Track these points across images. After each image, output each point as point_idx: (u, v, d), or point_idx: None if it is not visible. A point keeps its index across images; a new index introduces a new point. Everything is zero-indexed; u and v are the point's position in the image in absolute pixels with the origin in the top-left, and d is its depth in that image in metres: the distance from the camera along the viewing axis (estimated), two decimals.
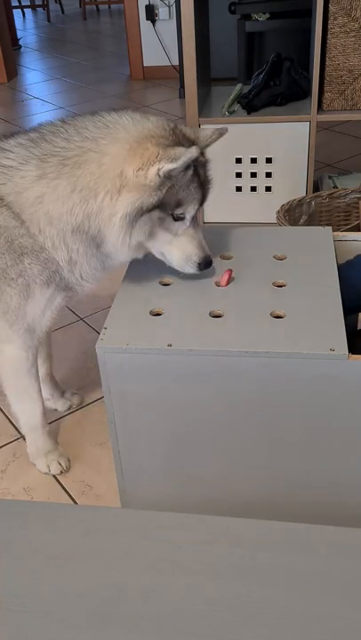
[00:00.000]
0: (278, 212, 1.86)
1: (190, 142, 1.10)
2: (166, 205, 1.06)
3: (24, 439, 1.53)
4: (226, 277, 1.10)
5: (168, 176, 1.03)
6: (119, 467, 1.12)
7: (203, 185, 1.11)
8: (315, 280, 1.10)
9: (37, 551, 0.58)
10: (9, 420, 1.60)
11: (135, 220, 1.05)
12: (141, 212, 1.04)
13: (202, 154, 1.11)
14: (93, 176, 1.06)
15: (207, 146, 1.16)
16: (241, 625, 0.51)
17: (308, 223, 1.96)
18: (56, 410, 1.61)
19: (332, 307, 1.03)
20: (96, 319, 1.96)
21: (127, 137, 1.06)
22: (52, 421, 1.59)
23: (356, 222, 1.90)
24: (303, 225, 1.93)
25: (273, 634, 0.50)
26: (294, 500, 1.10)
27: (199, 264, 1.11)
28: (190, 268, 1.11)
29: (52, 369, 1.57)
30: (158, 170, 1.02)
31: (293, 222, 1.91)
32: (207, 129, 1.17)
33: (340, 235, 1.26)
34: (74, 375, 1.73)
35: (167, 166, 1.02)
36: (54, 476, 1.43)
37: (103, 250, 1.12)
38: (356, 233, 1.28)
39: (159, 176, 1.02)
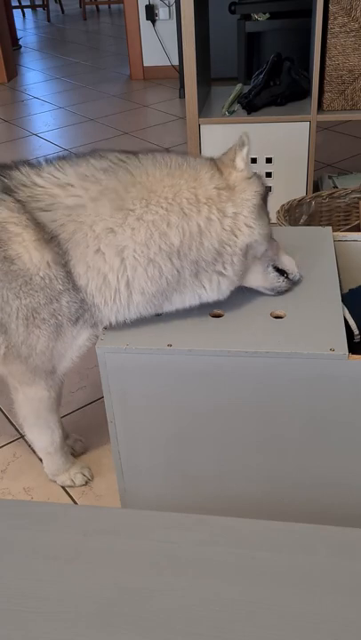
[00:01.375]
0: (278, 212, 1.85)
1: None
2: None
3: (24, 439, 1.53)
4: None
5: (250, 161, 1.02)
6: (119, 467, 1.12)
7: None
8: (315, 280, 1.10)
9: (37, 551, 0.58)
10: (9, 420, 1.60)
11: (262, 216, 1.02)
12: (265, 200, 1.03)
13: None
14: (192, 194, 0.99)
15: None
16: (241, 625, 0.51)
17: (308, 223, 1.96)
18: None
19: (332, 307, 1.03)
20: None
21: (204, 169, 1.02)
22: None
23: (356, 222, 1.90)
24: (303, 225, 1.93)
25: (273, 634, 0.50)
26: (294, 499, 1.10)
27: (293, 278, 1.09)
28: (298, 275, 1.09)
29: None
30: (242, 156, 1.01)
31: (293, 222, 1.91)
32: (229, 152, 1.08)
33: (340, 235, 1.26)
34: (74, 375, 1.73)
35: (243, 149, 1.01)
36: None
37: (200, 280, 1.02)
38: (356, 233, 1.28)
39: (246, 160, 1.01)
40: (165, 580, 0.55)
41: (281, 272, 1.07)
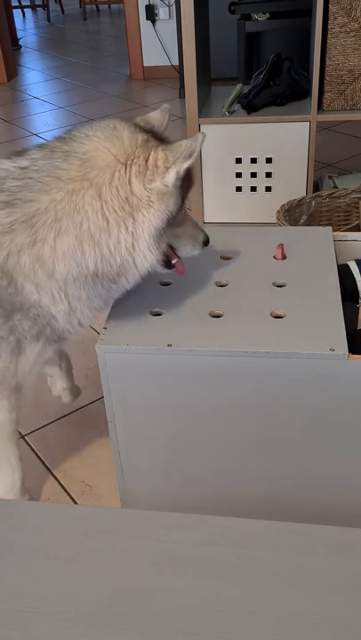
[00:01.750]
0: (278, 212, 1.85)
1: (157, 134, 1.02)
2: (182, 200, 1.00)
3: (24, 439, 1.53)
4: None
5: (185, 173, 0.97)
6: (119, 467, 1.12)
7: (190, 171, 1.02)
8: (315, 280, 1.10)
9: (37, 551, 0.58)
10: None
11: (163, 232, 0.98)
12: (169, 221, 0.97)
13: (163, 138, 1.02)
14: (97, 215, 0.95)
15: (165, 129, 1.05)
16: (241, 625, 0.51)
17: (308, 223, 1.96)
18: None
19: (333, 307, 1.03)
20: (96, 319, 1.95)
21: (113, 157, 0.96)
22: (52, 421, 1.59)
23: (357, 222, 1.90)
24: (303, 225, 1.93)
25: (273, 634, 0.50)
26: (294, 499, 1.10)
27: (204, 242, 1.08)
28: (197, 250, 1.08)
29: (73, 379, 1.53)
30: (178, 171, 0.94)
31: (293, 222, 1.91)
32: (153, 114, 1.06)
33: (341, 235, 1.26)
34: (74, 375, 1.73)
35: (185, 164, 0.95)
36: (54, 476, 1.43)
37: (120, 283, 1.02)
38: (356, 233, 1.28)
39: (179, 178, 0.95)
40: (165, 579, 0.55)
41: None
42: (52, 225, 0.95)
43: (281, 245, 1.16)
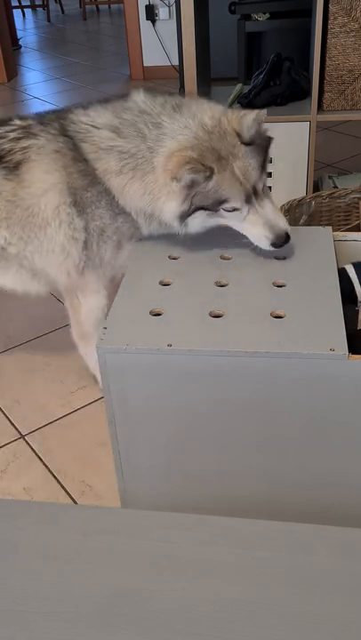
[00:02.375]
0: None
1: (229, 136, 1.17)
2: (209, 205, 1.16)
3: (24, 439, 1.53)
4: None
5: (185, 189, 1.15)
6: (119, 467, 1.12)
7: (245, 176, 1.16)
8: (315, 280, 1.10)
9: (37, 551, 0.58)
10: (9, 420, 1.60)
11: (184, 219, 1.18)
12: (186, 215, 1.18)
13: (251, 142, 1.18)
14: (155, 184, 1.21)
15: (251, 134, 1.18)
16: (241, 625, 0.51)
17: (308, 223, 1.96)
18: None
19: (333, 307, 1.03)
20: None
21: (166, 151, 1.19)
22: (52, 421, 1.59)
23: (357, 222, 1.90)
24: (303, 225, 1.93)
25: (273, 634, 0.50)
26: (294, 499, 1.10)
27: (274, 243, 1.17)
28: (265, 246, 1.18)
29: None
30: (173, 186, 1.16)
31: (293, 222, 1.91)
32: (249, 116, 1.19)
33: (341, 235, 1.26)
34: (74, 375, 1.73)
35: (174, 185, 1.15)
36: (54, 476, 1.43)
37: (160, 220, 1.26)
38: (356, 233, 1.28)
39: (178, 188, 1.15)
40: (165, 579, 0.55)
41: None
42: (133, 169, 1.23)
43: None
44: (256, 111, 1.20)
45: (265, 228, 1.17)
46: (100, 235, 1.33)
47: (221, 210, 1.17)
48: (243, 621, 0.51)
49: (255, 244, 1.18)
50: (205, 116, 1.20)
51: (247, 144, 1.17)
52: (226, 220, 1.19)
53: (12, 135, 1.33)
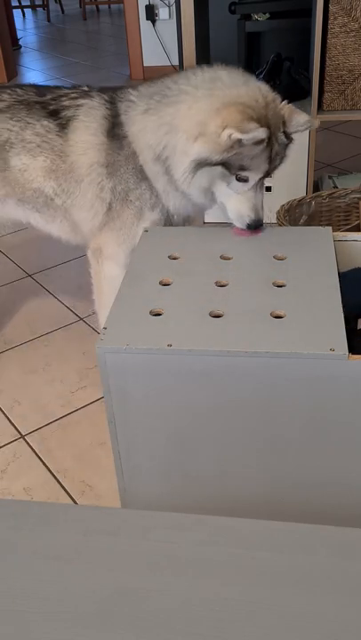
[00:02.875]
0: (278, 211, 1.85)
1: (279, 120, 1.24)
2: (231, 166, 1.20)
3: (24, 439, 1.53)
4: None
5: (236, 143, 1.16)
6: (119, 467, 1.12)
7: (272, 160, 1.25)
8: (315, 280, 1.10)
9: (37, 551, 0.58)
10: (9, 420, 1.60)
11: (198, 168, 1.21)
12: (205, 164, 1.20)
13: (287, 136, 1.26)
14: (179, 115, 1.24)
15: (294, 132, 1.28)
16: (241, 625, 0.51)
17: (308, 223, 1.96)
18: None
19: (332, 307, 1.03)
20: (96, 319, 1.96)
21: (221, 95, 1.21)
22: (52, 421, 1.59)
23: (357, 222, 1.90)
24: (303, 225, 1.93)
25: (273, 634, 0.50)
26: (294, 499, 1.10)
27: (249, 224, 1.25)
28: (240, 224, 1.26)
29: None
30: (230, 135, 1.15)
31: (293, 222, 1.91)
32: (303, 116, 1.27)
33: (341, 235, 1.26)
34: (74, 375, 1.73)
35: (236, 135, 1.14)
36: (54, 476, 1.43)
37: (174, 182, 1.30)
38: (356, 233, 1.28)
39: (229, 139, 1.16)
40: (165, 579, 0.55)
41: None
42: (156, 104, 1.30)
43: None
44: (310, 117, 1.29)
45: (250, 209, 1.25)
46: (124, 198, 1.38)
47: (234, 176, 1.22)
48: (243, 621, 0.51)
49: (232, 219, 1.26)
50: (265, 88, 1.27)
51: (287, 136, 1.26)
52: (223, 187, 1.24)
53: (73, 95, 1.45)
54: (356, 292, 1.15)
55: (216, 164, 1.19)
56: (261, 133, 1.15)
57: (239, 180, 1.22)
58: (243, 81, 1.26)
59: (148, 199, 1.37)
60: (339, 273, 1.15)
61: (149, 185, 1.35)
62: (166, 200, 1.37)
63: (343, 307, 1.03)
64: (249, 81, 1.28)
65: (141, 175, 1.35)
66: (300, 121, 1.26)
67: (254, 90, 1.24)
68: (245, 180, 1.23)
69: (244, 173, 1.22)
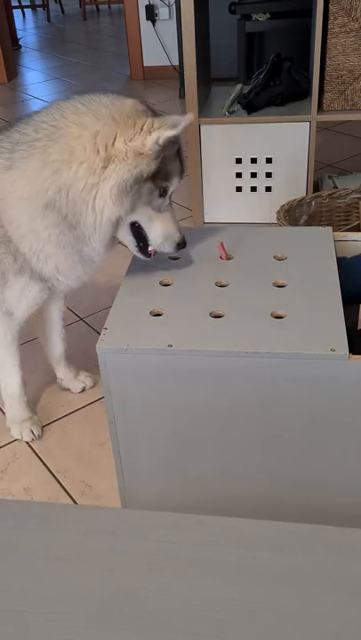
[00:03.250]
0: (278, 212, 1.85)
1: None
2: (156, 176, 1.08)
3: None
4: (222, 251, 1.16)
5: (165, 144, 1.06)
6: (119, 467, 1.12)
7: (181, 158, 1.14)
8: (315, 280, 1.10)
9: (37, 551, 0.58)
10: None
11: (129, 189, 1.06)
12: (138, 181, 1.06)
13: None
14: (67, 148, 1.07)
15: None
16: (241, 625, 0.51)
17: (309, 223, 1.96)
18: (69, 390, 1.66)
19: (333, 307, 1.03)
20: (96, 319, 1.96)
21: (110, 113, 1.08)
22: (52, 421, 1.59)
23: (357, 222, 1.90)
24: (303, 225, 1.93)
25: (273, 634, 0.50)
26: (294, 499, 1.10)
27: (178, 244, 1.15)
28: (168, 247, 1.15)
29: (64, 350, 1.63)
30: (158, 138, 1.04)
31: (293, 222, 1.91)
32: (174, 116, 1.14)
33: (341, 235, 1.26)
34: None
35: (167, 133, 1.05)
36: (54, 476, 1.43)
37: (78, 231, 1.12)
38: (356, 233, 1.28)
39: (158, 144, 1.05)
40: (165, 579, 0.55)
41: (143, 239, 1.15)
42: (27, 149, 1.10)
43: (221, 243, 1.17)
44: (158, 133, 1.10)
45: (175, 228, 1.14)
46: None
47: (157, 190, 1.09)
48: (243, 621, 0.51)
49: (156, 244, 1.14)
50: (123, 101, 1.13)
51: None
52: (145, 209, 1.10)
53: None
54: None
55: (147, 177, 1.06)
56: (191, 117, 1.07)
57: (161, 194, 1.11)
58: (115, 97, 1.13)
59: (11, 264, 1.20)
60: (344, 258, 1.17)
61: (10, 248, 1.18)
62: (43, 263, 1.19)
63: (348, 292, 1.04)
64: (119, 96, 1.14)
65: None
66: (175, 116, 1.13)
67: (132, 100, 1.12)
68: (165, 193, 1.12)
69: (165, 183, 1.10)
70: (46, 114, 1.13)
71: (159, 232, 1.14)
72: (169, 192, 1.13)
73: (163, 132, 1.05)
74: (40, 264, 1.19)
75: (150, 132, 1.05)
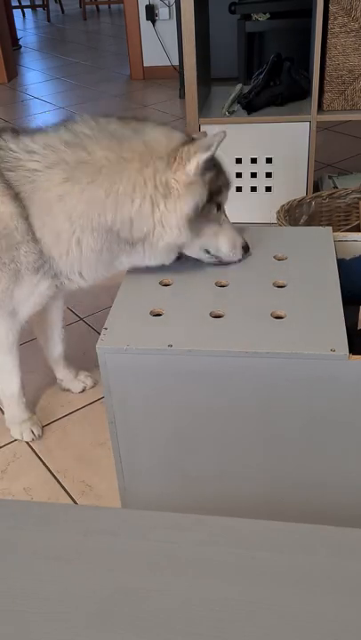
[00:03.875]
0: (278, 212, 1.85)
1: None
2: (212, 195, 1.12)
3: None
4: None
5: (207, 166, 1.09)
6: (119, 467, 1.12)
7: (222, 168, 1.17)
8: (315, 280, 1.10)
9: (37, 551, 0.58)
10: None
11: (193, 218, 1.10)
12: (199, 209, 1.10)
13: None
14: (131, 182, 1.10)
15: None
16: (241, 625, 0.51)
17: (309, 223, 1.96)
18: (70, 390, 1.66)
19: (333, 307, 1.03)
20: (96, 319, 1.96)
21: (163, 149, 1.11)
22: (52, 421, 1.59)
23: (357, 222, 1.90)
24: (303, 225, 1.93)
25: (273, 634, 0.50)
26: (294, 499, 1.10)
27: (244, 248, 1.17)
28: (237, 255, 1.17)
29: (64, 351, 1.62)
30: (198, 162, 1.08)
31: (293, 222, 1.91)
32: (208, 137, 1.18)
33: (341, 235, 1.26)
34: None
35: (203, 157, 1.08)
36: (54, 476, 1.43)
37: (138, 247, 1.14)
38: (356, 233, 1.28)
39: (200, 168, 1.08)
40: (165, 580, 0.55)
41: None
42: (93, 173, 1.11)
43: None
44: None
45: (238, 236, 1.17)
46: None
47: (215, 205, 1.14)
48: (243, 621, 0.51)
49: (225, 255, 1.16)
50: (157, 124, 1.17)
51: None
52: (210, 225, 1.14)
53: None
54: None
55: (207, 200, 1.11)
56: (223, 134, 1.10)
57: (218, 207, 1.15)
58: (167, 131, 1.15)
59: (31, 262, 1.21)
60: (343, 259, 1.17)
61: (36, 248, 1.19)
62: (71, 268, 1.21)
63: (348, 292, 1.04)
64: (170, 129, 1.16)
65: (22, 237, 1.18)
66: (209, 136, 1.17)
67: (180, 133, 1.16)
68: (220, 206, 1.16)
69: (218, 198, 1.15)
70: (116, 135, 1.13)
71: (225, 244, 1.16)
72: (224, 204, 1.17)
73: (199, 156, 1.08)
74: (67, 268, 1.21)
75: (189, 159, 1.08)
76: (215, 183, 1.13)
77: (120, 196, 1.10)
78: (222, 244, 1.16)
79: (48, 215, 1.15)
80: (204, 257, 1.17)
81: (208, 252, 1.16)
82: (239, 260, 1.17)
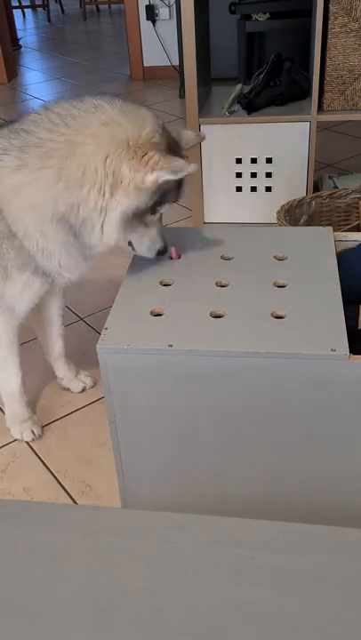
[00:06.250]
0: (278, 212, 1.85)
1: (176, 146, 1.15)
2: (155, 204, 1.12)
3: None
4: (173, 251, 1.19)
5: (166, 183, 1.09)
6: (119, 467, 1.12)
7: (181, 185, 1.17)
8: (315, 280, 1.10)
9: (37, 551, 0.58)
10: None
11: (130, 219, 1.11)
12: (137, 213, 1.11)
13: (181, 156, 1.15)
14: (81, 166, 1.09)
15: (189, 148, 1.20)
16: (241, 625, 0.51)
17: (309, 223, 1.96)
18: (69, 390, 1.66)
19: (333, 307, 1.03)
20: (96, 319, 1.96)
21: (126, 137, 1.08)
22: (52, 421, 1.59)
23: (357, 222, 1.90)
24: (303, 225, 1.93)
25: (273, 634, 0.50)
26: (294, 500, 1.10)
27: (159, 250, 1.18)
28: (151, 254, 1.18)
29: (64, 348, 1.62)
30: (158, 178, 1.07)
31: (293, 222, 1.91)
32: (189, 132, 1.21)
33: (341, 235, 1.26)
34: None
35: (166, 177, 1.07)
36: (54, 476, 1.43)
37: (82, 240, 1.17)
38: (356, 233, 1.28)
39: (156, 183, 1.08)
40: (165, 580, 0.55)
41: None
42: (42, 157, 1.10)
43: (175, 247, 1.20)
44: (194, 131, 1.21)
45: (158, 237, 1.18)
46: None
47: (148, 215, 1.14)
48: (243, 621, 0.51)
49: (141, 251, 1.18)
50: (146, 113, 1.15)
51: (181, 156, 1.15)
52: (139, 226, 1.15)
53: None
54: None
55: (145, 210, 1.11)
56: (193, 168, 1.08)
57: (153, 213, 1.15)
58: (133, 113, 1.12)
59: (14, 259, 1.21)
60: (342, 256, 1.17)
61: (14, 244, 1.19)
62: (47, 259, 1.21)
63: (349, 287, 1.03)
64: (138, 112, 1.13)
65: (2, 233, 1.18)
66: (190, 137, 1.19)
67: (150, 121, 1.12)
68: (156, 212, 1.16)
69: (160, 207, 1.14)
70: (64, 116, 1.11)
71: (142, 242, 1.17)
72: (161, 212, 1.17)
73: (162, 174, 1.07)
74: (44, 260, 1.22)
75: (153, 170, 1.07)
76: (164, 197, 1.12)
77: (69, 180, 1.09)
78: (143, 243, 1.17)
79: (12, 209, 1.15)
80: (127, 247, 1.19)
81: (130, 244, 1.18)
82: (152, 259, 1.19)
